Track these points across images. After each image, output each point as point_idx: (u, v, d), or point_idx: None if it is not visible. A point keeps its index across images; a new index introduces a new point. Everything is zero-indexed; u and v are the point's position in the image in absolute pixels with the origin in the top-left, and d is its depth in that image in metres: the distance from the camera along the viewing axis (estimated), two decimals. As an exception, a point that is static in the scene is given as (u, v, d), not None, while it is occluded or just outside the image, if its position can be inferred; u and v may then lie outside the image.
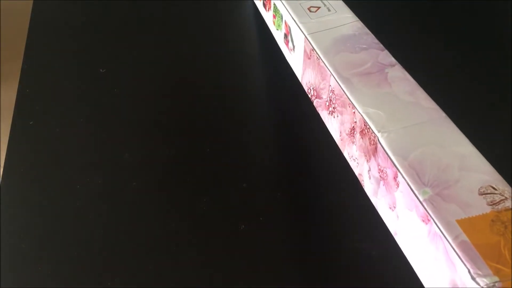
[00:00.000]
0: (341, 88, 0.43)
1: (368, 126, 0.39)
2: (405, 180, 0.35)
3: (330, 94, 0.46)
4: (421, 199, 0.33)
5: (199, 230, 0.50)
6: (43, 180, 0.54)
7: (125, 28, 0.73)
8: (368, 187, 0.42)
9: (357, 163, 0.43)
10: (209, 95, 0.64)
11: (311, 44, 0.48)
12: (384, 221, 0.40)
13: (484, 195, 0.33)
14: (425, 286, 0.36)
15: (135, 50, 0.69)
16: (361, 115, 0.40)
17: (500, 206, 0.32)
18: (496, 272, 0.29)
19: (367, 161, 0.41)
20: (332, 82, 0.44)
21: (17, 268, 0.47)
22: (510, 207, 0.32)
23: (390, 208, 0.38)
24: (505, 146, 0.59)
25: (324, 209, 0.53)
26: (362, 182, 0.43)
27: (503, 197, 0.33)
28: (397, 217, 0.38)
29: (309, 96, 0.51)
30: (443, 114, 0.40)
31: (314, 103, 0.50)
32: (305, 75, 0.51)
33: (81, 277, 0.46)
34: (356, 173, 0.44)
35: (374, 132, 0.39)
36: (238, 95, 0.64)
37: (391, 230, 0.40)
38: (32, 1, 0.77)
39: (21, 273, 0.47)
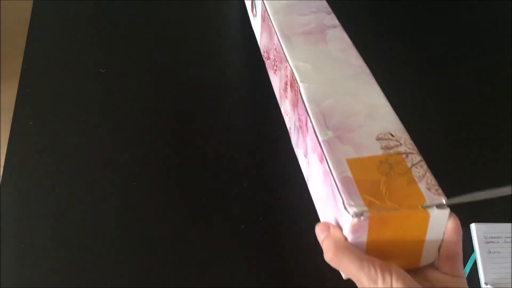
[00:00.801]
0: (280, 45, 0.47)
1: (294, 78, 0.43)
2: (311, 123, 0.38)
3: (274, 53, 0.50)
4: (320, 140, 0.37)
5: (199, 230, 0.50)
6: (43, 180, 0.54)
7: (125, 28, 0.73)
8: (293, 138, 0.46)
9: (289, 117, 0.47)
10: (209, 95, 0.64)
11: (265, 6, 0.52)
12: (302, 169, 0.43)
13: (380, 140, 0.36)
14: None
15: (135, 50, 0.69)
16: (291, 68, 0.44)
17: (392, 151, 0.35)
18: (369, 204, 0.31)
19: (294, 113, 0.44)
20: (275, 40, 0.48)
21: (17, 268, 0.47)
22: (402, 151, 0.35)
23: (304, 155, 0.42)
24: (505, 146, 0.59)
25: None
26: (290, 136, 0.46)
27: (398, 143, 0.36)
28: (308, 163, 0.41)
29: (264, 58, 0.55)
30: (367, 70, 0.44)
31: (266, 65, 0.54)
32: (262, 38, 0.55)
33: (81, 277, 0.46)
34: (288, 127, 0.47)
35: (297, 83, 0.42)
36: (238, 95, 0.64)
37: (305, 176, 0.43)
38: (32, 1, 0.77)
39: (21, 273, 0.47)
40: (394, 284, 0.30)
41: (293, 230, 0.51)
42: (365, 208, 0.31)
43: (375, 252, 0.32)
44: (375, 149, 0.35)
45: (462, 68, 0.68)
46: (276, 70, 0.49)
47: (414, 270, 0.34)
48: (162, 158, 0.56)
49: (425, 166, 0.34)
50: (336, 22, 0.49)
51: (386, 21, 0.73)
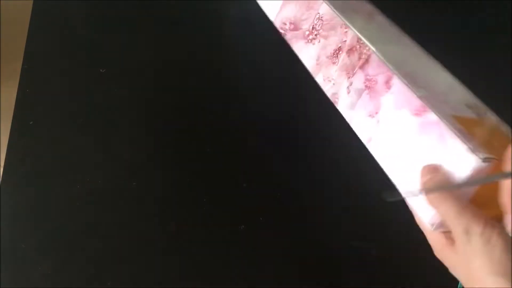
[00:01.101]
0: (335, 12, 0.48)
1: (361, 42, 0.44)
2: (402, 80, 0.39)
3: (315, 22, 0.50)
4: (417, 95, 0.37)
5: (199, 230, 0.50)
6: (43, 180, 0.54)
7: (125, 28, 0.72)
8: (345, 102, 0.46)
9: (333, 83, 0.47)
10: (209, 95, 0.64)
11: None
12: (358, 133, 0.44)
13: (470, 107, 0.38)
14: (398, 188, 0.38)
15: (135, 50, 0.69)
16: (356, 33, 0.45)
17: (485, 117, 0.37)
18: (490, 152, 0.32)
19: (349, 77, 0.45)
20: (323, 10, 0.49)
21: (17, 268, 0.47)
22: (493, 119, 0.37)
23: (370, 115, 0.42)
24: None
25: (324, 208, 0.53)
26: (335, 101, 0.47)
27: (486, 111, 0.38)
28: (377, 121, 0.42)
29: (282, 32, 0.55)
30: (429, 54, 0.44)
31: (287, 36, 0.54)
32: (283, 11, 0.55)
33: (81, 277, 0.46)
34: (329, 93, 0.48)
35: (369, 46, 0.43)
36: (238, 95, 0.64)
37: (364, 138, 0.43)
38: (32, 1, 0.77)
39: (21, 273, 0.47)
40: (494, 239, 0.29)
41: (293, 230, 0.51)
42: (492, 155, 0.32)
43: (478, 201, 0.33)
44: (469, 113, 0.37)
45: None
46: (314, 39, 0.50)
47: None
48: (162, 158, 0.56)
49: None
50: (378, 10, 0.50)
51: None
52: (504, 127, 0.36)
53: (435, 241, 0.35)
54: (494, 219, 0.31)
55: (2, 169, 0.55)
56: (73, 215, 0.51)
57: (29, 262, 0.47)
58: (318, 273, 0.48)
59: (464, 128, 0.35)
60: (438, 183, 0.33)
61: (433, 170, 0.35)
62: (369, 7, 0.51)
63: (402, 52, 0.43)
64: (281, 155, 0.58)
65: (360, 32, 0.45)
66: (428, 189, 0.34)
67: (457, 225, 0.31)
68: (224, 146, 0.58)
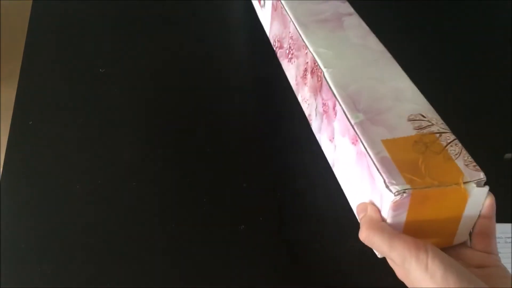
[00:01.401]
0: (298, 32, 0.47)
1: (316, 64, 0.43)
2: (341, 107, 0.39)
3: (290, 41, 0.50)
4: (352, 122, 0.37)
5: (199, 230, 0.50)
6: (43, 180, 0.54)
7: (125, 28, 0.73)
8: (314, 124, 0.46)
9: (308, 104, 0.47)
10: (209, 95, 0.64)
11: None
12: (325, 155, 0.44)
13: (412, 121, 0.37)
14: (355, 213, 0.38)
15: (135, 50, 0.69)
16: (312, 54, 0.44)
17: (425, 130, 0.36)
18: (410, 181, 0.32)
19: (315, 99, 0.45)
20: (291, 28, 0.49)
21: (17, 268, 0.47)
22: (435, 131, 0.36)
23: (330, 139, 0.42)
24: (505, 144, 0.59)
25: (324, 208, 0.53)
26: (310, 122, 0.47)
27: (430, 123, 0.37)
28: (335, 147, 0.41)
29: (274, 48, 0.55)
30: (388, 55, 0.44)
31: (278, 54, 0.54)
32: (272, 28, 0.56)
33: (81, 277, 0.46)
34: (307, 114, 0.48)
35: (321, 68, 0.42)
36: (238, 95, 0.64)
37: (330, 162, 0.43)
38: (32, 1, 0.77)
39: (21, 273, 0.46)
40: (430, 263, 0.29)
41: (294, 230, 0.51)
42: (407, 186, 0.31)
43: (413, 230, 0.32)
44: (408, 130, 0.36)
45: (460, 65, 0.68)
46: (291, 58, 0.50)
47: (446, 248, 0.34)
48: (162, 158, 0.56)
49: (459, 144, 0.35)
50: (352, 10, 0.50)
51: (386, 21, 0.73)
52: (445, 137, 0.35)
53: (391, 266, 0.35)
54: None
55: (2, 169, 0.55)
56: (73, 215, 0.51)
57: (29, 262, 0.47)
58: (318, 273, 0.48)
59: (393, 153, 0.34)
60: (367, 222, 0.33)
61: (362, 209, 0.35)
62: (342, 9, 0.50)
63: (357, 67, 0.42)
64: (281, 155, 0.58)
65: (315, 52, 0.44)
66: (360, 228, 0.34)
67: (393, 259, 0.31)
68: (224, 146, 0.58)
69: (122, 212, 0.51)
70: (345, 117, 0.38)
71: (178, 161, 0.56)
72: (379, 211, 0.33)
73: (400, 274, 0.34)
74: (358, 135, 0.36)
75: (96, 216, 0.51)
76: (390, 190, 0.31)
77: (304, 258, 0.49)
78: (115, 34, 0.71)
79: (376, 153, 0.34)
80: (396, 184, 0.31)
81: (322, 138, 0.44)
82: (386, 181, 0.32)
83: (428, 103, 0.39)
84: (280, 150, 0.58)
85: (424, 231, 0.33)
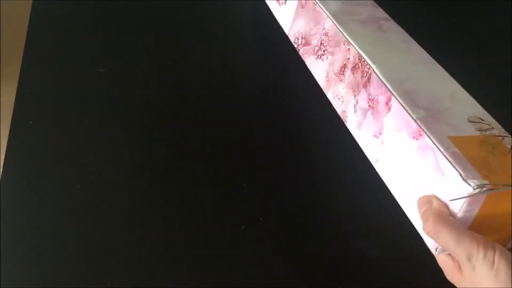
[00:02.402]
0: (338, 28, 0.46)
1: (363, 60, 0.42)
2: (399, 102, 0.38)
3: (322, 37, 0.49)
4: (414, 117, 0.37)
5: (199, 230, 0.50)
6: (43, 180, 0.54)
7: (125, 28, 0.72)
8: (352, 120, 0.45)
9: (342, 101, 0.46)
10: (209, 95, 0.64)
11: None
12: (365, 152, 0.43)
13: (472, 123, 0.36)
14: (404, 209, 0.38)
15: (135, 50, 0.69)
16: (357, 50, 0.43)
17: (487, 133, 0.36)
18: (486, 177, 0.31)
19: (355, 95, 0.44)
20: (328, 25, 0.48)
21: (17, 268, 0.47)
22: (497, 134, 0.36)
23: (375, 136, 0.41)
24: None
25: (324, 209, 0.53)
26: (345, 119, 0.46)
27: (490, 127, 0.36)
28: (382, 142, 0.40)
29: (296, 46, 0.54)
30: (434, 60, 0.43)
31: (301, 52, 0.53)
32: (294, 25, 0.54)
33: (81, 277, 0.46)
34: (339, 111, 0.47)
35: (369, 64, 0.42)
36: (238, 96, 0.64)
37: (371, 158, 0.42)
38: (31, 1, 0.77)
39: (21, 273, 0.46)
40: (497, 261, 0.29)
41: (293, 230, 0.51)
42: (485, 181, 0.31)
43: (479, 227, 0.32)
44: (471, 130, 0.36)
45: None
46: (323, 54, 0.49)
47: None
48: (162, 158, 0.56)
49: None
50: (387, 15, 0.49)
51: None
52: (508, 141, 0.35)
53: (443, 264, 0.35)
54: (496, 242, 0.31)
55: (2, 169, 0.55)
56: (73, 215, 0.51)
57: (29, 262, 0.47)
58: (318, 273, 0.48)
59: (462, 149, 0.34)
60: (433, 215, 0.33)
61: (426, 201, 0.34)
62: (378, 14, 0.49)
63: (406, 66, 0.42)
64: (281, 155, 0.58)
65: (361, 49, 0.43)
66: (425, 221, 0.34)
67: (458, 254, 0.31)
68: (224, 146, 0.58)
69: (122, 212, 0.51)
70: (404, 111, 0.37)
71: (178, 161, 0.56)
72: (446, 205, 0.33)
73: (454, 273, 0.34)
74: (423, 130, 0.35)
75: (96, 216, 0.51)
76: (469, 184, 0.31)
77: (304, 258, 0.49)
78: (115, 34, 0.71)
79: (447, 148, 0.34)
80: (474, 179, 0.31)
81: (363, 135, 0.43)
82: (463, 175, 0.32)
83: (482, 108, 0.38)
84: (280, 149, 0.58)
85: (488, 228, 0.33)
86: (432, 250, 0.35)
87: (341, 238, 0.50)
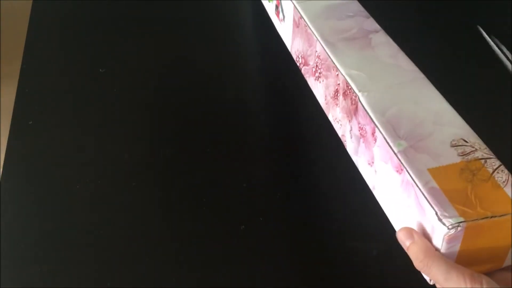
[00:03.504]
0: (326, 52, 0.45)
1: (350, 87, 0.42)
2: (382, 134, 0.37)
3: (316, 60, 0.48)
4: (395, 151, 0.36)
5: (199, 230, 0.50)
6: (43, 180, 0.54)
7: (125, 28, 0.72)
8: (350, 146, 0.44)
9: (340, 124, 0.45)
10: (209, 95, 0.64)
11: (299, 12, 0.50)
12: (364, 177, 0.42)
13: (455, 147, 0.36)
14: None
15: (135, 50, 0.69)
16: (344, 77, 0.42)
17: (470, 157, 0.35)
18: (462, 213, 0.31)
19: (349, 121, 0.43)
20: (318, 48, 0.47)
21: (17, 268, 0.47)
22: (479, 157, 0.35)
23: (369, 164, 0.41)
24: (505, 142, 0.59)
25: (324, 209, 0.53)
26: (344, 143, 0.45)
27: (473, 149, 0.35)
28: (375, 171, 0.40)
29: (298, 64, 0.53)
30: (422, 75, 0.42)
31: (302, 71, 0.52)
32: (294, 44, 0.53)
33: (81, 277, 0.46)
34: (339, 134, 0.46)
35: (355, 92, 0.41)
36: (238, 96, 0.64)
37: (369, 185, 0.42)
38: (32, 1, 0.77)
39: (21, 273, 0.46)
40: None
41: (293, 230, 0.51)
42: (461, 219, 0.31)
43: (465, 259, 0.32)
44: (452, 157, 0.35)
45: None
46: (319, 77, 0.48)
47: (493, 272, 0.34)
48: (162, 158, 0.56)
49: (506, 170, 0.34)
50: (377, 26, 0.48)
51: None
52: (491, 163, 0.34)
53: None
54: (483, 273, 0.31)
55: (2, 169, 0.55)
56: (73, 215, 0.51)
57: (29, 262, 0.47)
58: (318, 273, 0.48)
59: (441, 182, 0.33)
60: (422, 251, 0.33)
61: (408, 235, 0.34)
62: (367, 26, 0.48)
63: (391, 89, 0.41)
64: (282, 155, 0.58)
65: (348, 74, 0.42)
66: (414, 259, 0.33)
67: (450, 286, 0.31)
68: (224, 146, 0.58)
69: (122, 212, 0.51)
70: (386, 144, 0.37)
71: (178, 161, 0.56)
72: (428, 239, 0.33)
73: None
74: (403, 165, 0.35)
75: (96, 216, 0.51)
76: (444, 224, 0.31)
77: (304, 258, 0.49)
78: (115, 34, 0.71)
79: (425, 184, 0.33)
80: (449, 217, 0.31)
81: (360, 161, 0.43)
82: (439, 213, 0.31)
83: (468, 126, 0.37)
84: (280, 149, 0.58)
85: (476, 258, 0.33)
86: (427, 279, 0.34)
87: (341, 238, 0.50)
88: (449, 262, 0.32)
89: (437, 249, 0.33)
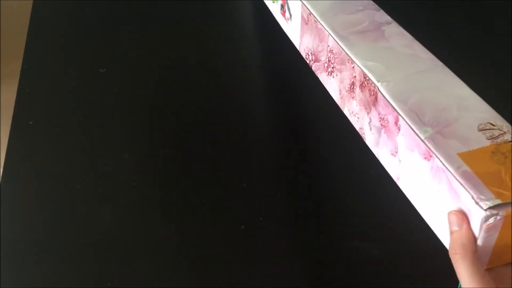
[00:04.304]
0: (340, 46, 0.45)
1: (367, 78, 0.41)
2: (406, 122, 0.37)
3: (329, 55, 0.47)
4: (422, 138, 0.35)
5: (199, 230, 0.50)
6: (43, 180, 0.54)
7: (125, 28, 0.72)
8: (369, 138, 0.43)
9: (358, 117, 0.45)
10: (209, 95, 0.64)
11: (308, 9, 0.50)
12: (386, 169, 0.42)
13: (483, 131, 0.35)
14: (430, 225, 0.37)
15: (135, 50, 0.69)
16: (360, 68, 0.42)
17: (499, 140, 0.34)
18: (498, 195, 0.30)
19: (367, 113, 0.42)
20: (331, 42, 0.46)
21: (17, 268, 0.47)
22: (510, 139, 0.34)
23: (392, 154, 0.40)
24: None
25: (324, 209, 0.53)
26: (363, 136, 0.45)
27: (502, 132, 0.35)
28: (399, 161, 0.39)
29: (308, 61, 0.52)
30: (440, 63, 0.42)
31: (313, 68, 0.52)
32: (303, 42, 0.53)
33: (81, 277, 0.46)
34: (357, 127, 0.46)
35: (373, 83, 0.40)
36: (238, 96, 0.64)
37: (393, 176, 0.41)
38: (32, 1, 0.77)
39: (21, 273, 0.46)
40: None
41: (293, 230, 0.51)
42: (498, 201, 0.30)
43: (502, 249, 0.32)
44: (481, 141, 0.34)
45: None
46: (332, 72, 0.48)
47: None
48: (162, 158, 0.56)
49: None
50: (388, 17, 0.47)
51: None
52: None
53: None
54: None
55: (2, 169, 0.55)
56: (73, 215, 0.51)
57: (29, 262, 0.47)
58: (319, 273, 0.48)
59: (473, 166, 0.32)
60: (462, 244, 0.32)
61: (459, 222, 0.33)
62: (379, 18, 0.48)
63: (410, 77, 0.40)
64: (281, 155, 0.58)
65: (364, 66, 0.42)
66: (456, 248, 0.33)
67: None
68: (224, 146, 0.58)
69: (122, 212, 0.51)
70: (412, 132, 0.36)
71: (178, 161, 0.56)
72: (473, 233, 0.32)
73: None
74: (432, 151, 0.34)
75: (96, 216, 0.51)
76: (481, 207, 0.30)
77: (304, 258, 0.49)
78: (116, 34, 0.71)
79: (457, 168, 0.33)
80: (486, 200, 0.30)
81: (382, 152, 0.42)
82: (475, 196, 0.31)
83: (493, 110, 0.37)
84: (280, 149, 0.58)
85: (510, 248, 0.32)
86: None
87: (341, 238, 0.50)
88: (478, 269, 0.31)
89: (475, 238, 0.32)
